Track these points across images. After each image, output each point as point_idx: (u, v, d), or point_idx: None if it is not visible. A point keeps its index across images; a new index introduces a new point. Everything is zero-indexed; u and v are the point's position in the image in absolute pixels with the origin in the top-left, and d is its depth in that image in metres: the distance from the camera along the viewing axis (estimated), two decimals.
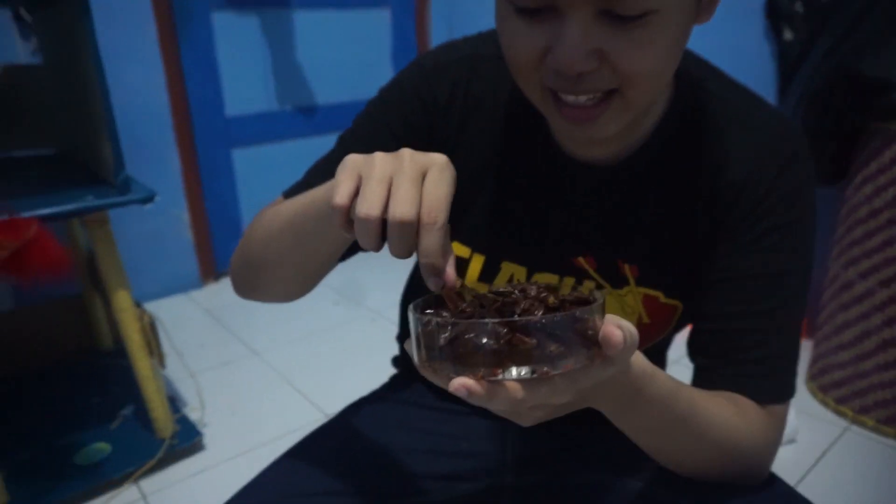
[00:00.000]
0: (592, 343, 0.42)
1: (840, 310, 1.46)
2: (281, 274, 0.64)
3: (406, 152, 0.44)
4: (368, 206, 0.41)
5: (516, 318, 0.41)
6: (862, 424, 1.45)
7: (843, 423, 1.48)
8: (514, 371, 0.40)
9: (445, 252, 0.43)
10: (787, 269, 0.60)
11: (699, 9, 0.51)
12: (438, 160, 0.44)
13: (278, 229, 0.62)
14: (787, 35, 1.65)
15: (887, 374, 1.37)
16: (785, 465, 1.33)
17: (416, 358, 0.43)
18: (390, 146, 0.63)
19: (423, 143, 0.65)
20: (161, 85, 2.13)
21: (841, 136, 1.38)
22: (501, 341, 0.39)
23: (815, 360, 1.59)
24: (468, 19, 2.67)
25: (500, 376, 0.40)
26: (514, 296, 0.45)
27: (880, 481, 1.30)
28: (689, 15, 0.49)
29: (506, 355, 0.40)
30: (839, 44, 1.39)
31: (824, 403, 1.54)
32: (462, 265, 0.67)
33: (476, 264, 0.67)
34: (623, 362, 0.42)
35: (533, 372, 0.40)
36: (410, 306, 0.45)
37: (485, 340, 0.40)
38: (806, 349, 1.59)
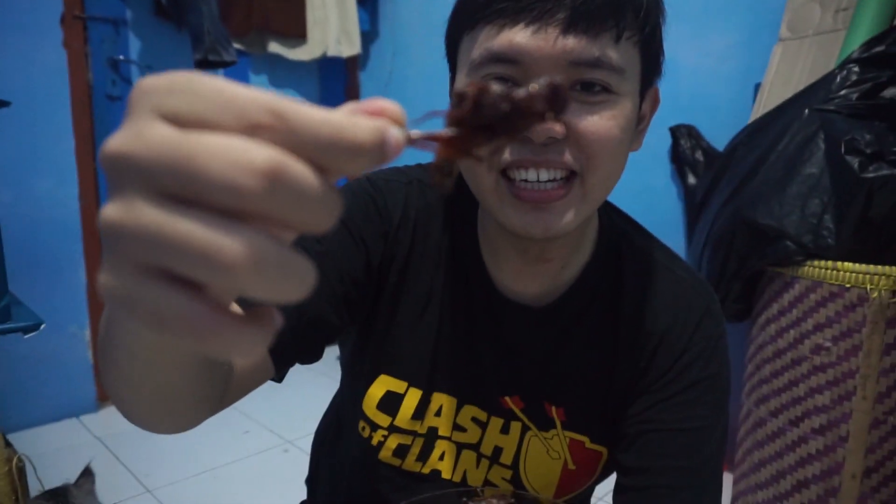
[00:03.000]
0: None
1: (755, 447, 1.47)
2: (136, 392, 0.39)
3: (142, 129, 0.20)
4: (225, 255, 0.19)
5: None
6: None
7: None
8: None
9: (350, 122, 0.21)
10: (709, 424, 0.61)
11: (636, 128, 0.56)
12: (182, 79, 0.21)
13: (104, 332, 0.37)
14: (691, 179, 1.77)
15: None
16: None
17: None
18: (346, 238, 0.60)
19: (378, 244, 0.62)
20: (73, 196, 2.05)
21: (744, 278, 1.46)
22: None
23: (735, 498, 1.57)
24: None
25: None
26: None
27: None
28: (633, 118, 0.54)
29: None
30: (736, 193, 1.50)
31: None
32: (396, 400, 0.65)
33: (411, 399, 0.65)
34: None
35: None
36: None
37: None
38: (727, 483, 1.57)
